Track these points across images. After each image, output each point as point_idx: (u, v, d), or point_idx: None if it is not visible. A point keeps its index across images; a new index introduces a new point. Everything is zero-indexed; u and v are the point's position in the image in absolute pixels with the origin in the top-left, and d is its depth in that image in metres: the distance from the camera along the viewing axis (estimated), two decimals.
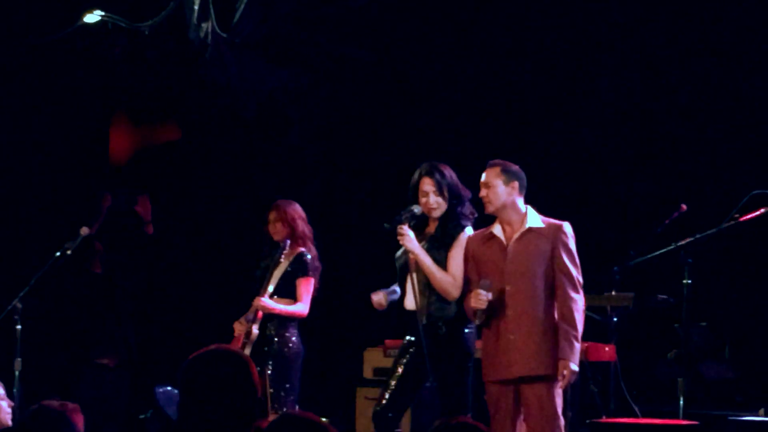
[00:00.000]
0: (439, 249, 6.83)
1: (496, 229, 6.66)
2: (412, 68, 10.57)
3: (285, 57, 10.18)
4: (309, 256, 7.95)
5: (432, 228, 6.94)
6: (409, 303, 6.84)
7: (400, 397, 6.87)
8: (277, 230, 7.96)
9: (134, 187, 10.44)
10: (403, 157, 10.00)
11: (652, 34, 9.90)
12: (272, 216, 7.99)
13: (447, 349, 6.75)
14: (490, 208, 6.63)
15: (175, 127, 11.19)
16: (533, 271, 6.53)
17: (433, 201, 6.84)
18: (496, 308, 6.53)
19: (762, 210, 7.41)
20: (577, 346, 6.44)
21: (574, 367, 6.43)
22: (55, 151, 10.28)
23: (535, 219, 6.61)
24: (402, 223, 6.78)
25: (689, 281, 7.42)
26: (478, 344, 6.84)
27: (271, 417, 7.71)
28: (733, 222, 7.43)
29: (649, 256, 7.92)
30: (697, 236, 7.44)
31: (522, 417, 6.56)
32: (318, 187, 10.66)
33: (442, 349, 6.73)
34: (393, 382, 6.86)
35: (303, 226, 7.99)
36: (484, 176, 6.66)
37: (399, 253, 6.96)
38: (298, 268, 7.92)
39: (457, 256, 6.80)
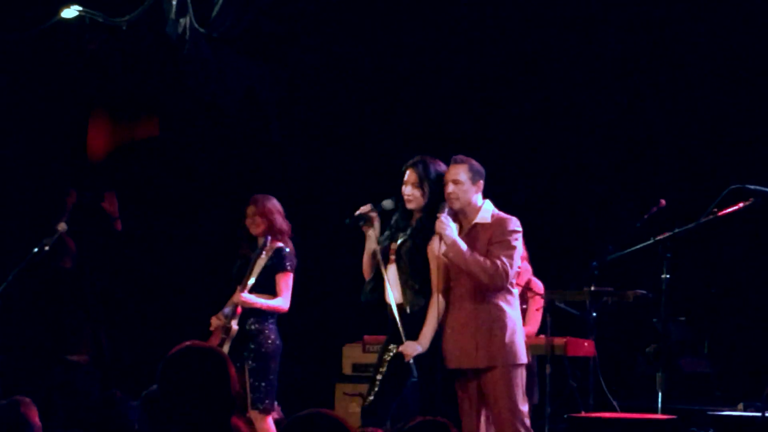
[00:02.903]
0: (425, 239, 6.75)
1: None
2: (392, 63, 10.56)
3: (264, 52, 10.14)
4: (287, 251, 7.93)
5: (414, 221, 6.86)
6: (395, 296, 6.79)
7: (388, 391, 6.82)
8: (255, 224, 7.94)
9: (105, 184, 10.37)
10: (383, 152, 10.00)
11: (630, 31, 9.92)
12: (251, 210, 7.97)
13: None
14: (456, 205, 6.64)
15: (154, 123, 11.15)
16: None
17: (408, 192, 6.81)
18: (445, 301, 6.62)
19: (740, 204, 7.40)
20: (461, 250, 6.44)
21: (444, 230, 6.46)
22: (32, 148, 10.23)
23: (485, 214, 6.65)
24: (366, 220, 6.79)
25: (668, 276, 7.40)
26: None
27: (251, 414, 7.70)
28: (711, 216, 7.42)
29: (627, 250, 7.92)
30: (676, 231, 7.43)
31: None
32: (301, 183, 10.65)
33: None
34: (379, 377, 6.83)
35: (281, 221, 7.97)
36: (451, 172, 6.67)
37: (382, 237, 6.89)
38: (278, 263, 7.90)
39: None
